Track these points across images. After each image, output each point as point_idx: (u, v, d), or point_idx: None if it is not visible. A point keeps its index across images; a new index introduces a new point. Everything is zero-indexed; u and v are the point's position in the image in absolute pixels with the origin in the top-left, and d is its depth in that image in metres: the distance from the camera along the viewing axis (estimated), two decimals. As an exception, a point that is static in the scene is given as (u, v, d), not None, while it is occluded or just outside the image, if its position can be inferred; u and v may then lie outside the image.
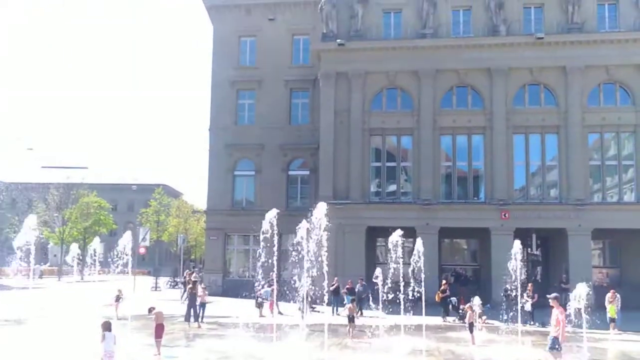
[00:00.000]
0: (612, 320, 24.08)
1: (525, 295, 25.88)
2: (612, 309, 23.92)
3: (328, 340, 19.31)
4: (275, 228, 19.09)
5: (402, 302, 23.17)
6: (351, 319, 22.54)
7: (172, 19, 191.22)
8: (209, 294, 31.37)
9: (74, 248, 23.15)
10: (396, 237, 23.20)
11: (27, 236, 17.75)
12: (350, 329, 22.29)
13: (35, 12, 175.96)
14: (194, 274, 29.49)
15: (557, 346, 15.26)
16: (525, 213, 35.27)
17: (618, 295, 25.40)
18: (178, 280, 50.28)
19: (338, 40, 37.22)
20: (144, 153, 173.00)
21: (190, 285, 25.52)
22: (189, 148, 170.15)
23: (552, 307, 15.60)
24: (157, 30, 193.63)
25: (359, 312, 29.64)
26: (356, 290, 30.59)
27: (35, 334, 19.71)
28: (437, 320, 27.27)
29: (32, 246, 17.94)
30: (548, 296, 16.36)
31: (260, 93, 42.78)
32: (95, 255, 29.99)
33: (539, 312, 27.11)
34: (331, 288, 29.27)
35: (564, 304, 32.94)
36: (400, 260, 23.80)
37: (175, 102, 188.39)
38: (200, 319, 24.78)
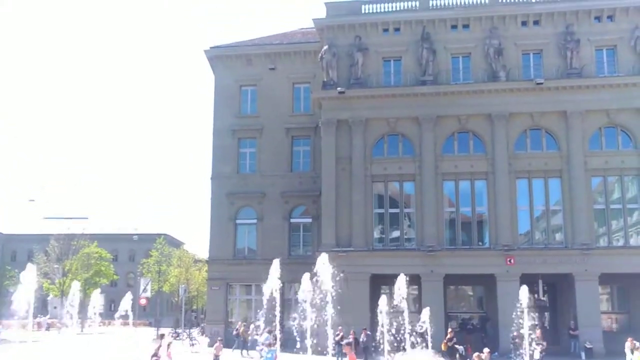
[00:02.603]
0: None
1: (533, 342, 25.30)
2: (638, 356, 23.09)
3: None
4: (278, 277, 18.85)
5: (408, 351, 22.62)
6: None
7: (174, 69, 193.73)
8: (210, 345, 30.95)
9: (75, 287, 22.67)
10: (401, 282, 22.69)
11: (26, 287, 17.39)
12: None
13: (36, 59, 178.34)
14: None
15: None
16: (531, 258, 34.87)
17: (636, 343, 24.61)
18: (179, 331, 49.58)
19: (338, 88, 37.43)
20: (145, 202, 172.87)
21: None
22: (191, 197, 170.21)
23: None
24: (159, 78, 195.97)
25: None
26: (360, 340, 30.03)
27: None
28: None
29: (31, 297, 17.56)
30: (342, 343, 16.94)
31: (262, 141, 42.85)
32: (94, 308, 29.49)
33: (548, 359, 26.59)
34: (336, 338, 28.72)
35: (574, 350, 32.41)
36: (406, 309, 23.28)
37: (177, 151, 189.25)
38: None
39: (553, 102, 36.20)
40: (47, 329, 63.82)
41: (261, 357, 19.84)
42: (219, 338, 29.14)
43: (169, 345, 24.22)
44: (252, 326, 33.36)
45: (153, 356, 22.74)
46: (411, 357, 21.81)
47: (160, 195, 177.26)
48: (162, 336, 26.08)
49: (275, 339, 25.95)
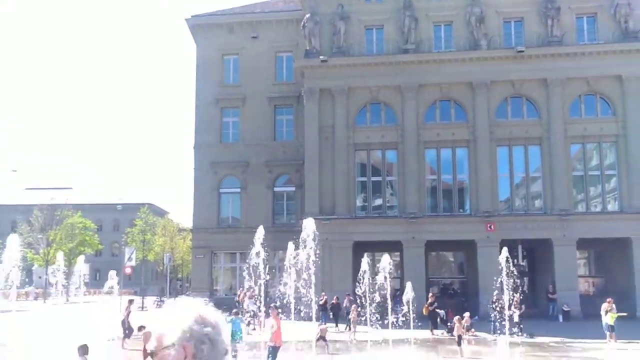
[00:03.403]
0: (612, 328, 23.79)
1: (512, 306, 25.92)
2: (612, 316, 23.77)
3: (317, 357, 19.34)
4: (263, 244, 19.15)
5: (390, 316, 23.14)
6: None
7: (156, 38, 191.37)
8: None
9: (60, 264, 22.74)
10: (385, 262, 23.02)
11: (10, 257, 17.47)
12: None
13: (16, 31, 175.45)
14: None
15: (270, 354, 15.87)
16: (511, 224, 35.48)
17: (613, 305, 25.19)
18: (165, 299, 49.89)
19: (321, 57, 37.43)
20: (129, 173, 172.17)
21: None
22: (175, 167, 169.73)
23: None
24: (141, 48, 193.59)
25: (347, 327, 29.66)
26: (344, 305, 30.61)
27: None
28: (425, 333, 27.24)
29: (16, 267, 17.67)
30: (271, 305, 17.23)
31: (245, 110, 42.85)
32: (80, 277, 29.71)
33: (527, 323, 27.26)
34: (320, 303, 29.26)
35: (552, 313, 33.20)
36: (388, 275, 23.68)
37: (161, 121, 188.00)
38: None
39: (534, 70, 36.50)
40: (36, 298, 64.07)
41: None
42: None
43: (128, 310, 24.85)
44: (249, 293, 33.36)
45: (123, 322, 23.53)
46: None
47: (144, 165, 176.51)
48: (130, 302, 26.53)
49: (258, 306, 26.38)
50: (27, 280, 78.08)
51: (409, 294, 24.17)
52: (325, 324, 30.01)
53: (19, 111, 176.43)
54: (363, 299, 23.77)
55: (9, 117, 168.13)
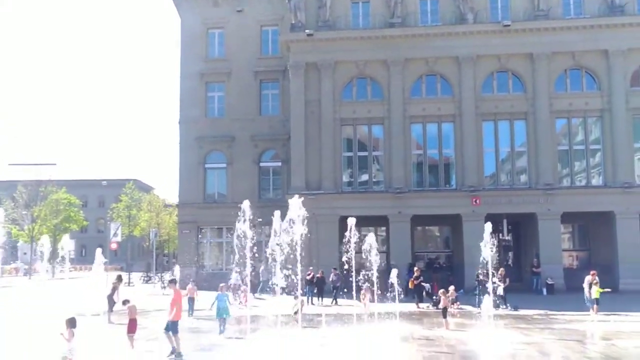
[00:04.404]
0: (596, 301, 24.03)
1: (497, 279, 26.15)
2: (597, 290, 23.99)
3: (305, 330, 19.44)
4: (249, 219, 19.10)
5: (375, 290, 23.26)
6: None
7: (140, 12, 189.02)
8: (182, 288, 31.37)
9: (45, 241, 22.70)
10: (372, 240, 22.97)
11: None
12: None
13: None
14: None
15: (170, 329, 15.96)
16: (496, 199, 35.68)
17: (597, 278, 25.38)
18: (151, 275, 49.96)
19: (307, 31, 37.15)
20: (114, 148, 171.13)
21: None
22: (160, 142, 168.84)
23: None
24: (126, 22, 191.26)
25: (334, 301, 29.88)
26: (330, 279, 30.78)
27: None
28: (411, 306, 27.48)
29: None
30: (169, 280, 17.27)
31: (230, 85, 42.53)
32: (65, 253, 29.48)
33: (511, 296, 27.57)
34: (307, 277, 29.41)
35: (536, 287, 33.60)
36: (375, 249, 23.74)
37: (145, 95, 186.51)
38: (191, 313, 25.16)
39: (520, 44, 36.46)
40: (25, 274, 64.02)
41: (214, 301, 20.22)
42: (192, 280, 29.31)
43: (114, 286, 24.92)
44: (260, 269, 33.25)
45: (109, 297, 23.60)
46: None
47: (129, 140, 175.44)
48: (118, 278, 26.59)
49: (243, 281, 26.49)
50: (12, 256, 77.89)
51: (394, 272, 24.28)
52: (311, 298, 30.35)
53: (3, 85, 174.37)
54: (349, 273, 23.82)
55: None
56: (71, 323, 12.73)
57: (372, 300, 23.84)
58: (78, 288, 34.61)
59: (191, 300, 25.59)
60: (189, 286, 26.18)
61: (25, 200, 68.08)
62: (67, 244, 29.18)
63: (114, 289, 24.56)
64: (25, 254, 75.21)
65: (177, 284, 17.44)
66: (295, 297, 21.77)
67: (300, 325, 20.33)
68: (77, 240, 77.86)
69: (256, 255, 23.21)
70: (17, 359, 16.13)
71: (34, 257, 64.13)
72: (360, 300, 23.36)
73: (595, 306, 23.78)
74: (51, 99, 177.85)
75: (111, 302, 23.46)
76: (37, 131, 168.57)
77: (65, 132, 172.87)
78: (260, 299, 31.92)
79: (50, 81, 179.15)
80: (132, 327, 16.37)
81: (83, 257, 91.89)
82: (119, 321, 21.63)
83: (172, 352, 15.83)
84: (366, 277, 23.59)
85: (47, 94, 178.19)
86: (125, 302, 17.77)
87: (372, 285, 23.59)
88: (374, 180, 37.74)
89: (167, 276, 41.76)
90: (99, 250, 19.12)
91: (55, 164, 79.20)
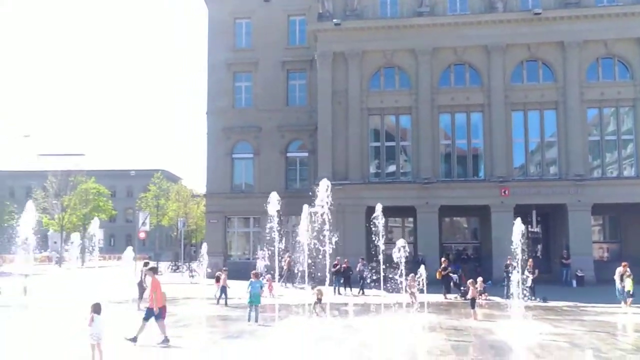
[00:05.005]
0: (629, 294, 23.61)
1: (526, 271, 25.88)
2: (630, 282, 23.58)
3: (333, 319, 19.46)
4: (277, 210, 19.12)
5: (403, 281, 23.15)
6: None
7: (169, 2, 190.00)
8: (208, 277, 31.69)
9: (75, 238, 23.28)
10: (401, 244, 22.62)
11: (26, 221, 17.49)
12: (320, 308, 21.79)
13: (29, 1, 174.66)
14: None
15: (152, 316, 15.85)
16: (525, 190, 35.28)
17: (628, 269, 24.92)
18: (179, 264, 50.37)
19: (334, 20, 36.98)
20: (142, 139, 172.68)
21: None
22: (188, 133, 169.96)
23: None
24: (155, 13, 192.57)
25: (361, 291, 29.84)
26: (357, 269, 30.72)
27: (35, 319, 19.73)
28: (438, 297, 27.33)
29: (31, 232, 17.73)
30: (148, 268, 16.86)
31: (257, 75, 42.58)
32: (94, 241, 29.86)
33: (540, 288, 27.28)
34: (333, 269, 29.38)
35: (566, 279, 33.16)
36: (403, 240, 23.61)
37: (174, 86, 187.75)
38: (222, 301, 25.64)
39: (550, 33, 35.90)
40: (57, 263, 65.13)
41: (249, 287, 20.21)
42: (225, 269, 29.01)
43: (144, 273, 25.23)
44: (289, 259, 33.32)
45: (138, 284, 23.75)
46: None
47: (157, 131, 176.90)
48: (146, 264, 26.95)
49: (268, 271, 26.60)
50: (43, 244, 79.16)
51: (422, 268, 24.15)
52: (338, 288, 30.32)
53: (33, 78, 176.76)
54: (377, 263, 23.75)
55: (20, 81, 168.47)
56: (94, 308, 12.86)
57: (420, 291, 23.66)
58: (108, 276, 35.06)
59: (224, 289, 25.78)
60: (223, 276, 26.32)
61: (55, 189, 69.08)
62: (96, 232, 29.51)
63: (143, 275, 24.84)
64: (55, 242, 76.35)
65: (157, 273, 17.42)
66: (314, 287, 21.80)
67: (322, 315, 20.38)
68: (105, 229, 78.67)
69: (283, 245, 23.25)
70: (46, 342, 16.40)
71: (64, 247, 65.16)
72: (407, 291, 23.17)
73: (629, 299, 23.41)
74: (82, 90, 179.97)
75: (141, 289, 23.69)
76: (67, 122, 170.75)
77: (95, 123, 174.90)
78: (286, 288, 32.04)
79: (81, 73, 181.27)
80: (162, 313, 16.51)
81: (112, 247, 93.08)
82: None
83: (163, 341, 15.92)
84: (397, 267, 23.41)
85: (78, 85, 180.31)
86: None
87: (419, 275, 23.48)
88: (401, 170, 37.54)
89: (195, 265, 42.16)
90: (129, 248, 19.42)
91: (84, 155, 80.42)
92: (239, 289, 24.73)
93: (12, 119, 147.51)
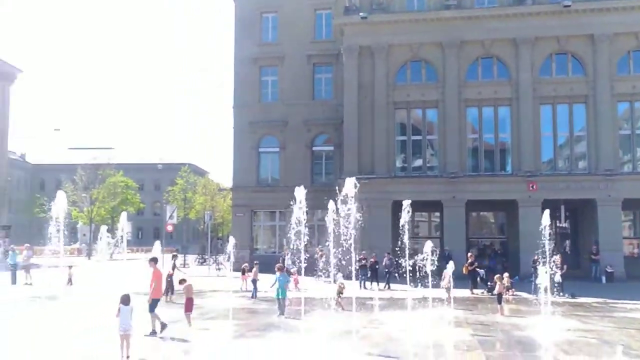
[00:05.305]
0: None
1: (554, 266, 25.60)
2: None
3: (358, 313, 19.47)
4: (304, 204, 19.09)
5: (430, 275, 23.04)
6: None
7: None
8: (235, 270, 31.84)
9: (104, 231, 23.79)
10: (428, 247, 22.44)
11: (56, 214, 17.72)
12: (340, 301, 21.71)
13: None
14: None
15: (152, 308, 15.90)
16: (553, 184, 34.86)
17: None
18: (206, 257, 50.78)
19: (361, 14, 36.83)
20: (170, 133, 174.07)
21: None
22: (214, 126, 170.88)
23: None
24: (182, 8, 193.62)
25: (387, 286, 29.78)
26: (383, 264, 30.66)
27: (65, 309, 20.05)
28: (465, 292, 27.17)
29: (61, 224, 17.95)
30: (149, 258, 16.92)
31: (283, 69, 42.67)
32: (122, 233, 30.18)
33: (569, 284, 26.96)
34: (359, 264, 29.32)
35: (595, 275, 32.65)
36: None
37: (201, 80, 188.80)
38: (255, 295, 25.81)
39: (580, 25, 35.38)
40: (86, 255, 66.07)
41: (275, 281, 20.29)
42: (255, 262, 28.88)
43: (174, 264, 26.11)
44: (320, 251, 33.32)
45: (168, 276, 23.94)
46: None
47: (184, 125, 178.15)
48: (174, 256, 27.46)
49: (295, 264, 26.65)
50: (72, 237, 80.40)
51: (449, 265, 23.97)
52: (364, 282, 30.29)
53: (63, 72, 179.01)
54: (402, 258, 23.65)
55: (52, 74, 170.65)
56: (122, 299, 13.06)
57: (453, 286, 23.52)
58: (136, 269, 35.52)
59: (254, 282, 25.96)
60: (254, 269, 26.51)
61: (84, 182, 70.06)
62: (124, 225, 29.82)
63: (174, 268, 25.37)
64: (84, 235, 77.41)
65: (158, 263, 17.42)
66: (334, 282, 21.80)
67: (342, 308, 20.40)
68: (133, 222, 79.57)
69: (308, 239, 23.26)
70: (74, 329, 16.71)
71: (94, 240, 66.04)
72: (442, 286, 23.06)
73: None
74: (111, 85, 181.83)
75: (169, 283, 23.94)
76: (97, 116, 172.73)
77: (124, 117, 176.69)
78: (312, 281, 32.08)
79: (111, 68, 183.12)
80: (188, 305, 16.68)
81: (139, 240, 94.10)
82: (176, 300, 22.15)
83: (152, 333, 16.07)
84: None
85: (108, 80, 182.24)
86: (182, 281, 18.12)
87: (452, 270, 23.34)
88: (427, 165, 37.35)
89: (221, 258, 42.43)
90: (157, 242, 19.64)
91: (112, 148, 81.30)
92: (265, 282, 24.87)
93: (43, 113, 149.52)
